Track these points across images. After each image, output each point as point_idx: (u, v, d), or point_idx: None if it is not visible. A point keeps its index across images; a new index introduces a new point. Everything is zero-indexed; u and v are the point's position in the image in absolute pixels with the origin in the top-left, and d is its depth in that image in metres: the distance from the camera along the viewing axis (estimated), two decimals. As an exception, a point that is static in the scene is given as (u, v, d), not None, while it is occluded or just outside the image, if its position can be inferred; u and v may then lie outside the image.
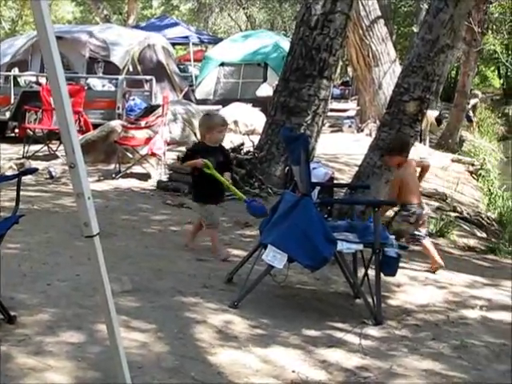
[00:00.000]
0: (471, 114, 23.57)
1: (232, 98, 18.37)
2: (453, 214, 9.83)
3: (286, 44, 18.13)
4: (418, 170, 6.88)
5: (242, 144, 10.27)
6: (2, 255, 4.92)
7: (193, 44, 25.40)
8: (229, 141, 11.42)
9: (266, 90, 17.79)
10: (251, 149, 10.01)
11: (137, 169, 10.19)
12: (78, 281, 5.04)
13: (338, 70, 28.75)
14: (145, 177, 9.96)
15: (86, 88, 12.99)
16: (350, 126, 17.73)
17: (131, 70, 15.45)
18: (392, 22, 23.86)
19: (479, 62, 27.06)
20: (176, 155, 10.19)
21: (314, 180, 5.65)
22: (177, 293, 5.04)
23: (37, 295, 4.71)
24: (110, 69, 15.06)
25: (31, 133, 12.02)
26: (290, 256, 4.78)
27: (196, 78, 21.53)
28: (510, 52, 33.71)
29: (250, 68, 19.91)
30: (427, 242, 6.54)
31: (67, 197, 8.23)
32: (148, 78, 14.44)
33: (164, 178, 9.60)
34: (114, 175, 9.80)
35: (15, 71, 14.92)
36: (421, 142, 16.71)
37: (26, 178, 8.64)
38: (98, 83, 14.58)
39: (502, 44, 28.80)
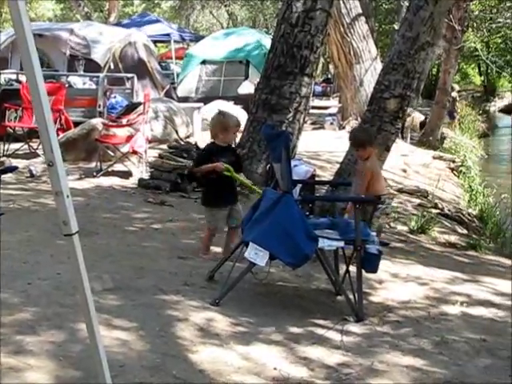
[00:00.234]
0: (454, 110, 23.77)
1: (214, 95, 18.33)
2: (434, 211, 9.88)
3: (267, 41, 18.09)
4: None
5: (224, 142, 10.23)
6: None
7: (174, 41, 25.33)
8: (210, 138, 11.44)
9: (247, 88, 17.77)
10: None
11: (118, 167, 10.15)
12: (59, 279, 5.02)
13: (320, 68, 28.83)
14: (126, 175, 9.92)
15: (66, 86, 12.91)
16: (331, 124, 17.77)
17: (112, 67, 15.39)
18: (373, 20, 23.89)
19: (460, 60, 27.18)
20: (158, 153, 10.16)
21: (295, 177, 5.66)
22: (158, 291, 5.04)
23: (17, 294, 4.68)
24: (91, 66, 14.99)
25: (11, 131, 11.93)
26: (272, 253, 4.79)
27: (178, 75, 21.47)
28: (490, 49, 33.91)
29: (231, 65, 19.88)
30: None
31: (48, 195, 8.18)
32: (129, 75, 14.39)
33: (145, 175, 9.57)
34: (95, 173, 9.76)
35: (-5, 69, 14.82)
36: (402, 138, 16.80)
37: (6, 177, 8.62)
38: (78, 81, 14.50)
39: (483, 41, 28.99)
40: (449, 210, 10.29)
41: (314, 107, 19.13)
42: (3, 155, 11.19)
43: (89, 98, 13.53)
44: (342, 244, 5.05)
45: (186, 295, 4.98)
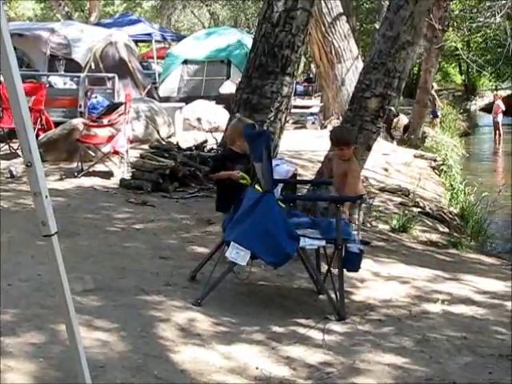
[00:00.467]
0: (438, 109, 23.95)
1: (195, 95, 18.30)
2: (415, 210, 9.92)
3: (249, 41, 18.07)
4: None
5: (206, 141, 10.25)
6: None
7: (156, 41, 25.28)
8: (192, 138, 11.43)
9: (229, 87, 17.76)
10: (215, 146, 9.99)
11: (99, 167, 10.11)
12: (40, 280, 4.99)
13: (302, 67, 28.87)
14: (107, 175, 9.88)
15: (47, 86, 12.84)
16: (313, 123, 17.80)
17: (93, 67, 15.29)
18: (354, 19, 23.97)
19: (441, 59, 27.30)
20: (139, 153, 10.13)
21: (276, 177, 5.65)
22: (140, 291, 5.02)
23: (-3, 295, 4.65)
24: (72, 66, 14.89)
25: (-9, 131, 11.84)
26: (253, 253, 4.79)
27: (159, 75, 21.42)
28: (470, 49, 34.13)
29: (213, 65, 19.86)
30: None
31: (29, 196, 8.10)
32: (110, 75, 14.31)
33: (127, 176, 9.54)
34: (76, 174, 9.71)
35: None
36: (392, 139, 16.96)
37: (-14, 178, 8.55)
38: (59, 81, 14.42)
39: (463, 41, 29.17)
40: (430, 209, 10.33)
41: (295, 106, 19.15)
42: (-17, 156, 11.12)
43: (70, 98, 13.45)
44: (323, 243, 5.06)
45: (167, 295, 4.97)
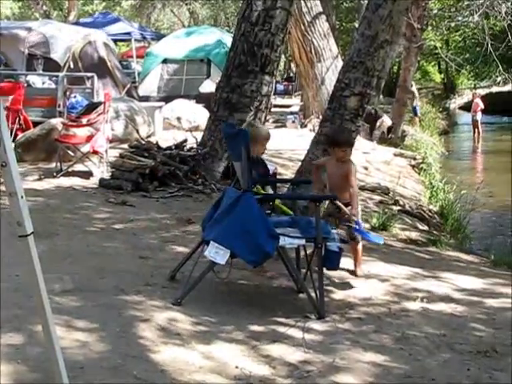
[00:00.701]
0: (417, 106, 24.09)
1: (175, 94, 18.27)
2: (395, 208, 9.95)
3: (229, 40, 18.05)
4: None
5: (185, 140, 10.22)
6: None
7: (135, 40, 25.20)
8: (171, 137, 11.41)
9: (209, 87, 17.74)
10: (194, 145, 9.98)
11: (78, 167, 10.06)
12: (18, 281, 4.94)
13: (282, 66, 28.90)
14: (87, 175, 9.83)
15: (25, 85, 12.77)
16: (293, 122, 17.84)
17: (72, 66, 15.22)
18: (334, 18, 24.03)
19: (420, 58, 27.47)
20: (119, 153, 10.08)
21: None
22: (119, 291, 5.00)
23: (-25, 297, 4.60)
24: (51, 66, 14.80)
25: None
26: (233, 252, 4.78)
27: (139, 74, 21.36)
28: (449, 47, 34.34)
29: (193, 64, 19.83)
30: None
31: (6, 196, 8.06)
32: (89, 75, 14.25)
33: (106, 175, 9.50)
34: (55, 174, 9.65)
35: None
36: (371, 139, 17.01)
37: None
38: (37, 80, 14.34)
39: (442, 40, 29.35)
40: (410, 207, 10.38)
41: (276, 105, 19.20)
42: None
43: (48, 98, 13.39)
44: (302, 242, 5.06)
45: (147, 295, 4.95)
